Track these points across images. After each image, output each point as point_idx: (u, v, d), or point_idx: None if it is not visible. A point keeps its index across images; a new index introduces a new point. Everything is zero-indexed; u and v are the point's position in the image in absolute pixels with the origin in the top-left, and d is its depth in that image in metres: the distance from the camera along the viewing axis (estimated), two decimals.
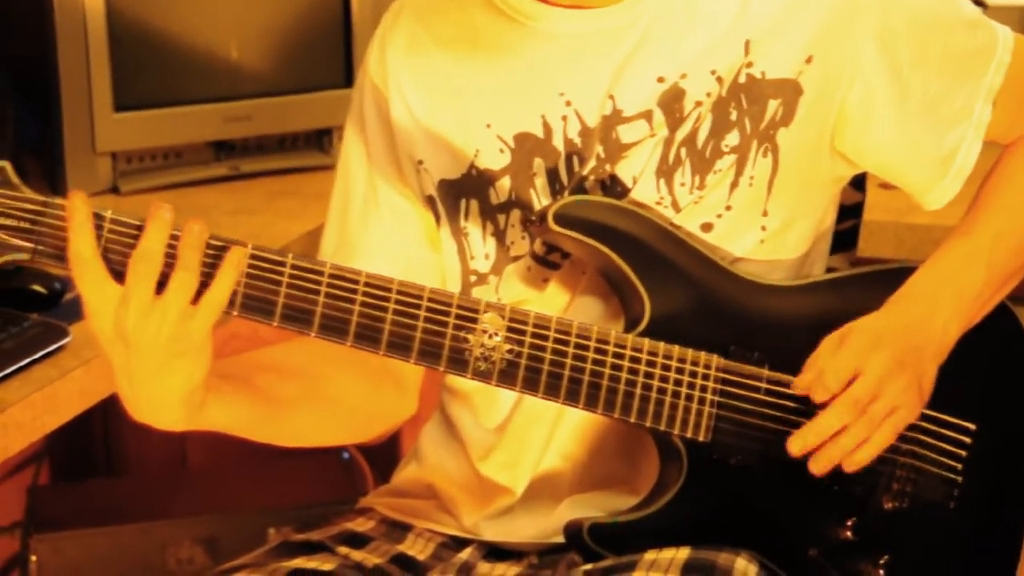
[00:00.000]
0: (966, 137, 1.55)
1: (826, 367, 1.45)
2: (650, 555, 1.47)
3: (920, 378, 1.48)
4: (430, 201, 1.57)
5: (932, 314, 1.50)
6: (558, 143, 1.52)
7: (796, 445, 1.46)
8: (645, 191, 1.51)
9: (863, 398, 1.45)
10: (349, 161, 1.62)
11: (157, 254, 1.30)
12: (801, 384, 1.47)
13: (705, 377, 1.48)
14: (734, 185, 1.51)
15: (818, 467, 1.46)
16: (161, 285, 1.30)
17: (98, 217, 1.31)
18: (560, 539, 1.53)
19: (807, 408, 1.47)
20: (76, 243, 1.29)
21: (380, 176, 1.59)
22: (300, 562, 1.55)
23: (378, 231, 1.59)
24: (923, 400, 1.50)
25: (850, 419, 1.45)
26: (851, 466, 1.46)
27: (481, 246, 1.56)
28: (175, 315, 1.30)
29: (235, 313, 1.35)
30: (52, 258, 1.31)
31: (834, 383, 1.45)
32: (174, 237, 1.31)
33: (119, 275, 1.30)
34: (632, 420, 1.46)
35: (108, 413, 2.64)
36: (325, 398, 1.54)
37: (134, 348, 1.31)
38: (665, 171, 1.51)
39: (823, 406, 1.46)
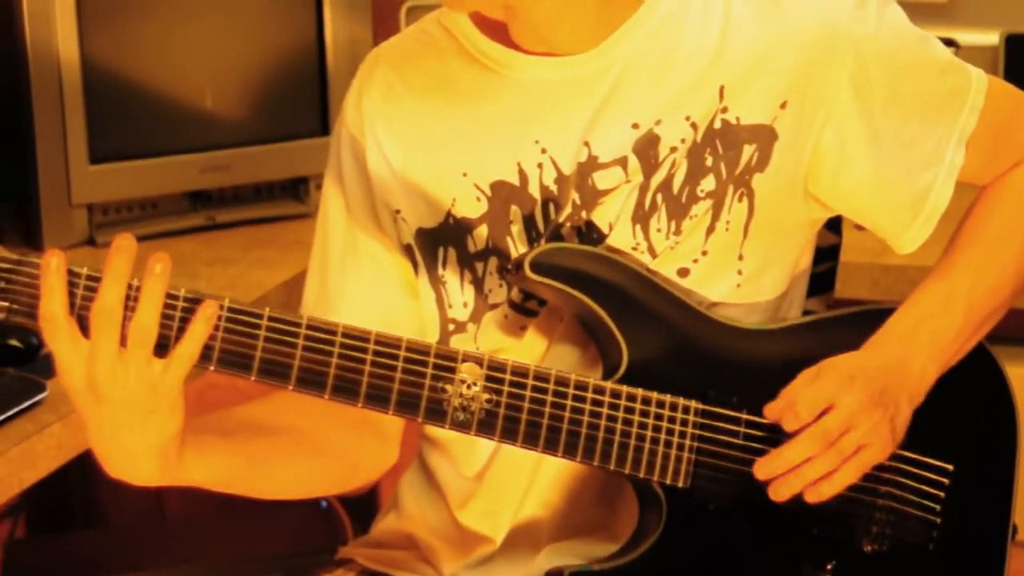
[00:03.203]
0: (938, 180, 1.55)
1: (799, 396, 1.45)
2: None
3: (893, 418, 1.48)
4: (408, 250, 1.57)
5: (909, 356, 1.51)
6: (534, 190, 1.52)
7: (762, 470, 1.45)
8: (621, 237, 1.51)
9: (833, 431, 1.44)
10: (328, 211, 1.62)
11: (115, 308, 1.29)
12: (772, 411, 1.46)
13: (684, 423, 1.48)
14: (710, 230, 1.52)
15: (778, 494, 1.46)
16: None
17: (73, 274, 1.30)
18: None
19: None
20: (47, 304, 1.29)
21: (359, 226, 1.59)
22: None
23: (358, 281, 1.59)
24: (894, 441, 1.49)
25: (818, 450, 1.44)
26: (814, 499, 1.46)
27: (459, 294, 1.56)
28: (137, 368, 1.29)
29: (212, 368, 1.35)
30: (25, 316, 1.31)
31: (805, 412, 1.44)
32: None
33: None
34: (611, 467, 1.46)
35: (85, 465, 2.61)
36: (306, 451, 1.53)
37: (106, 402, 1.31)
38: (641, 217, 1.51)
39: None
